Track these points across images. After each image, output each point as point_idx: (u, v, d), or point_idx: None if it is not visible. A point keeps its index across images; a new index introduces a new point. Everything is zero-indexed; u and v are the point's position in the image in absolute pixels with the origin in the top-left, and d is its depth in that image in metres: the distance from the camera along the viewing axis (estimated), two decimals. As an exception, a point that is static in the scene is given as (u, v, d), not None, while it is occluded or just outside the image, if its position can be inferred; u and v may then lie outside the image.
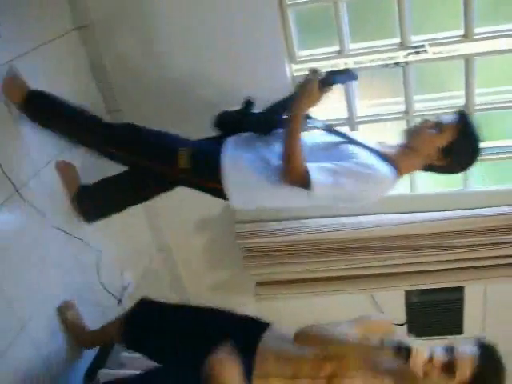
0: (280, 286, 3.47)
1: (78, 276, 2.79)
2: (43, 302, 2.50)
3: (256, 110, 2.42)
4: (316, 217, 3.22)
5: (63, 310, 2.61)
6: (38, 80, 2.56)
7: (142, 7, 2.86)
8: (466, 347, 1.84)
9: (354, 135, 2.42)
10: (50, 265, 2.57)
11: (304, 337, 2.07)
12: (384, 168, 2.24)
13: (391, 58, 2.84)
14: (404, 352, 1.79)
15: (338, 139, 2.36)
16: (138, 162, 2.47)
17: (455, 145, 2.24)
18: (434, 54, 2.79)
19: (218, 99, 2.77)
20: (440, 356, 1.82)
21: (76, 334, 2.65)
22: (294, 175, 2.16)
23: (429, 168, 2.36)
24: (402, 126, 3.01)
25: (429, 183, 3.21)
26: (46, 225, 2.56)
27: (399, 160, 2.30)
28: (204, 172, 2.36)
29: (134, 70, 3.03)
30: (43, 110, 2.49)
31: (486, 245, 3.08)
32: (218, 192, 2.36)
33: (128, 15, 2.90)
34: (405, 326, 3.53)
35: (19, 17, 2.49)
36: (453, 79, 2.97)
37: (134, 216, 3.13)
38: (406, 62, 2.82)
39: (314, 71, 2.16)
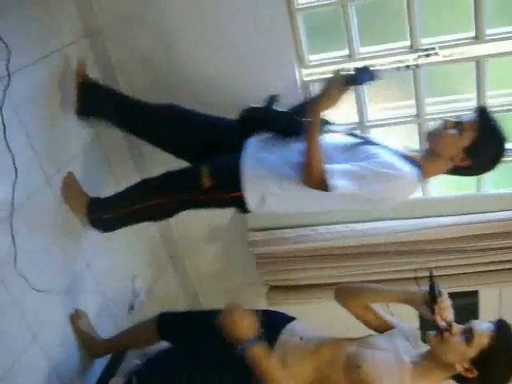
0: (293, 291, 3.45)
1: (88, 284, 2.78)
2: (54, 310, 2.50)
3: (279, 107, 2.40)
4: (328, 223, 3.20)
5: (74, 319, 2.60)
6: (50, 88, 2.57)
7: (152, 14, 2.87)
8: (482, 323, 1.94)
9: (376, 139, 2.39)
10: (61, 273, 2.57)
11: (343, 290, 2.24)
12: (406, 168, 2.20)
13: (402, 62, 2.82)
14: (432, 296, 1.92)
15: (358, 141, 2.34)
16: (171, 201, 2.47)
17: (478, 143, 2.17)
18: (445, 56, 2.77)
19: (228, 103, 2.75)
20: (458, 325, 1.92)
21: (87, 343, 2.64)
22: (314, 177, 2.12)
23: (454, 171, 2.29)
24: (413, 129, 3.00)
25: (441, 187, 3.18)
26: (55, 234, 2.56)
27: (424, 164, 2.26)
28: (226, 181, 2.34)
29: (144, 76, 3.03)
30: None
31: (500, 248, 3.04)
32: (239, 201, 2.33)
33: (139, 20, 2.90)
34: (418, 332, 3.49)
35: (28, 25, 2.49)
36: (464, 81, 2.94)
37: (146, 224, 3.12)
38: (417, 65, 2.79)
39: (336, 72, 2.12)
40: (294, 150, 2.27)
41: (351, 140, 2.36)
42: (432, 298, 1.93)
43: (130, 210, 2.54)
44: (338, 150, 2.29)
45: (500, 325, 1.91)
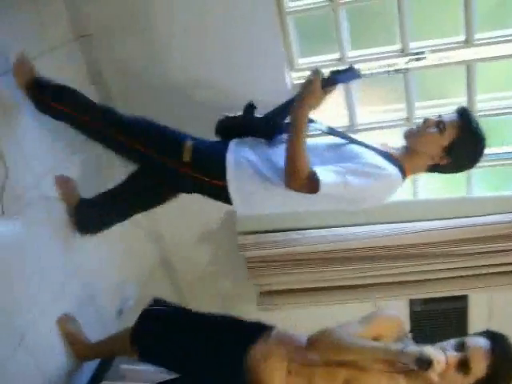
0: (283, 296, 3.44)
1: (77, 288, 2.76)
2: (42, 314, 2.47)
3: (258, 114, 2.38)
4: (318, 227, 3.20)
5: (63, 323, 2.58)
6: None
7: (142, 16, 2.86)
8: (476, 340, 1.85)
9: (357, 137, 2.38)
10: (50, 277, 2.55)
11: (317, 344, 2.03)
12: (390, 167, 2.20)
13: (392, 65, 2.82)
14: (425, 363, 1.76)
15: (341, 141, 2.33)
16: (144, 152, 2.34)
17: (459, 142, 2.19)
18: (435, 60, 2.78)
19: (218, 106, 2.74)
20: (453, 355, 1.82)
21: (76, 347, 2.62)
22: (300, 179, 2.07)
23: (434, 169, 2.31)
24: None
25: (431, 190, 3.19)
26: (45, 237, 2.54)
27: (404, 162, 2.26)
28: (207, 167, 2.28)
29: (133, 78, 3.02)
30: (50, 95, 2.40)
31: (489, 252, 3.05)
32: (220, 191, 2.27)
33: (127, 23, 2.89)
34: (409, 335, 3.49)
35: (18, 26, 2.48)
36: (454, 85, 2.95)
37: (136, 229, 3.12)
38: (407, 69, 2.80)
39: (316, 71, 2.08)
40: (278, 151, 2.23)
41: (333, 140, 2.34)
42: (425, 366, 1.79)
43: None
44: (323, 150, 2.27)
45: (494, 341, 1.83)
